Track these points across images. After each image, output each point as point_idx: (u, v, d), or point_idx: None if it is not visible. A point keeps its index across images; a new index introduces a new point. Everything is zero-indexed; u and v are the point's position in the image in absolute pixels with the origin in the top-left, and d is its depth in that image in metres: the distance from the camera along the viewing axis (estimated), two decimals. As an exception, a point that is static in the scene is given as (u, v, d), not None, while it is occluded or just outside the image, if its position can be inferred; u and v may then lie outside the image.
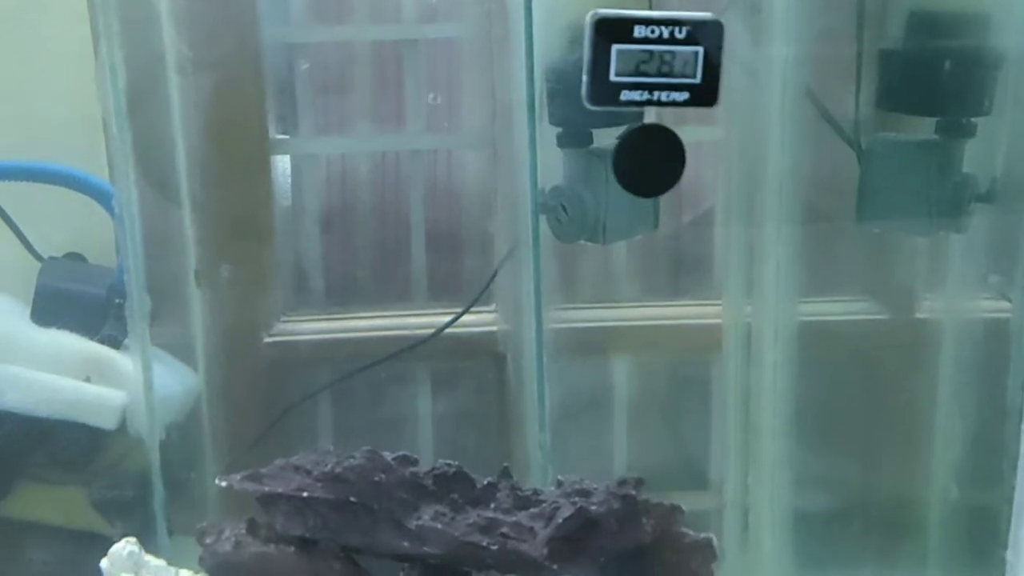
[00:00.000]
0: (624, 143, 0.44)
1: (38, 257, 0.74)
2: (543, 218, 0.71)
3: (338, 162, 0.95)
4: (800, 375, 0.80)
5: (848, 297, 0.87)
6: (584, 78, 0.41)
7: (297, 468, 0.56)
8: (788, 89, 0.72)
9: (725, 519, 0.85)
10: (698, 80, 0.42)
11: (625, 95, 0.42)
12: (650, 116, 0.50)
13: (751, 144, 0.78)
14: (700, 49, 0.41)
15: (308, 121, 0.92)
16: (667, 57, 0.41)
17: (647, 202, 0.73)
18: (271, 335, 0.88)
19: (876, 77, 0.71)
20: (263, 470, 0.57)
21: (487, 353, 0.89)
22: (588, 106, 0.42)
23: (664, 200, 0.92)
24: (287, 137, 0.90)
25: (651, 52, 0.41)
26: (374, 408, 0.91)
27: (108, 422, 0.67)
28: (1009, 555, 0.56)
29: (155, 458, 0.68)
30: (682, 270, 0.94)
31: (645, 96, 0.42)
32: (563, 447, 0.88)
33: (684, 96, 0.42)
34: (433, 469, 0.58)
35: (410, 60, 0.90)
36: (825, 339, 0.84)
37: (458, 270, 0.93)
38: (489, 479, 0.59)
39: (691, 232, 0.93)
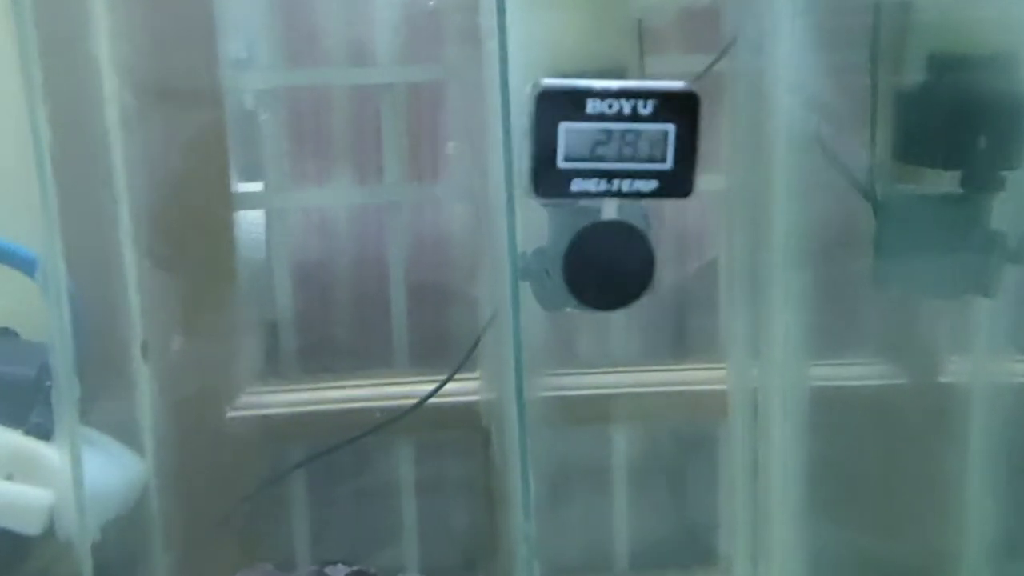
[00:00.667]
0: (574, 246, 0.35)
1: (-39, 332, 0.67)
2: (526, 284, 0.64)
3: (311, 217, 0.88)
4: (813, 446, 0.72)
5: (864, 360, 0.79)
6: (527, 163, 0.33)
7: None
8: (795, 135, 0.65)
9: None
10: (668, 165, 0.33)
11: (577, 185, 0.33)
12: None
13: (755, 193, 0.70)
14: (671, 127, 0.33)
15: (275, 173, 0.84)
16: (629, 137, 0.33)
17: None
18: (235, 408, 0.80)
19: (892, 125, 0.63)
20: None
21: (472, 425, 0.81)
22: (533, 197, 0.34)
23: (664, 254, 0.84)
24: (251, 190, 0.83)
25: (609, 131, 0.32)
26: (352, 485, 0.84)
27: (33, 526, 0.59)
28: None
29: (88, 564, 0.60)
30: (685, 330, 0.86)
31: (603, 186, 0.33)
32: (558, 522, 0.80)
33: (652, 185, 0.34)
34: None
35: (388, 106, 0.83)
36: (839, 405, 0.76)
37: (441, 335, 0.85)
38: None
39: (693, 288, 0.85)
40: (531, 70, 0.59)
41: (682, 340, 0.86)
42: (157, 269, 0.71)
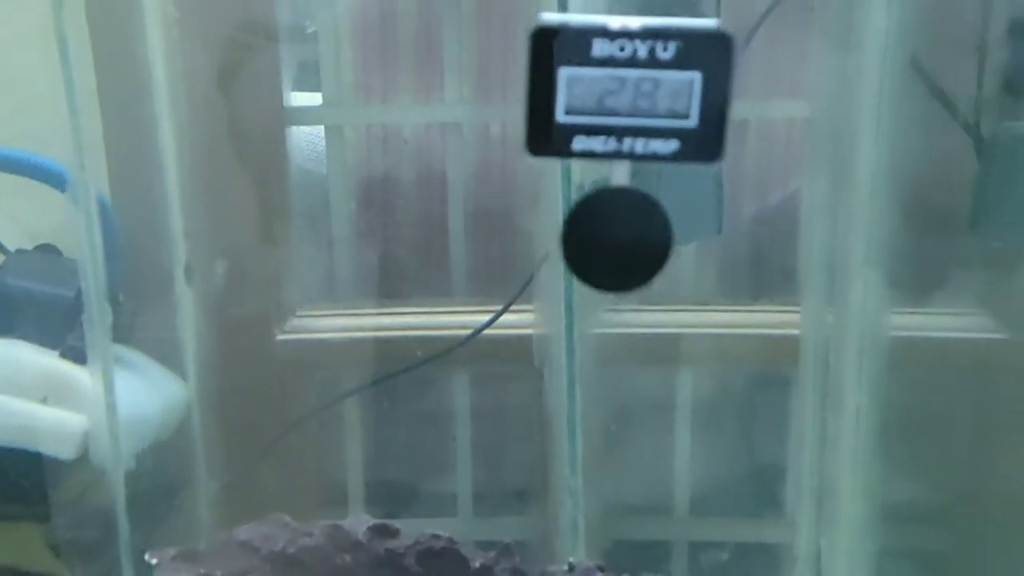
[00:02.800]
0: (575, 216, 0.30)
1: (3, 250, 0.66)
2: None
3: (367, 134, 0.84)
4: (889, 397, 0.66)
5: (954, 311, 0.72)
6: (525, 115, 0.28)
7: (243, 545, 0.46)
8: (889, 60, 0.57)
9: (797, 559, 0.72)
10: (693, 122, 0.27)
11: (580, 143, 0.28)
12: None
13: (842, 124, 0.63)
14: (697, 75, 0.27)
15: (329, 87, 0.80)
16: (646, 87, 0.27)
17: (710, 204, 0.60)
18: (285, 332, 0.78)
19: (1006, 54, 0.55)
20: (202, 547, 0.47)
21: (526, 358, 0.78)
22: (528, 155, 0.29)
23: (739, 188, 0.78)
24: (303, 104, 0.79)
25: (621, 79, 0.27)
26: (405, 413, 0.81)
27: (67, 451, 0.59)
28: None
29: (120, 493, 0.59)
30: (758, 269, 0.80)
31: (611, 145, 0.28)
32: (615, 463, 0.77)
33: (672, 146, 0.28)
34: (416, 543, 0.48)
35: (450, 14, 0.78)
36: (923, 356, 0.70)
37: (501, 263, 0.81)
38: (483, 560, 0.48)
39: (772, 222, 0.79)
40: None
41: (756, 279, 0.81)
42: (202, 188, 0.69)
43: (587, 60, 0.27)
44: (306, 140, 0.84)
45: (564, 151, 0.28)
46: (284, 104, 0.77)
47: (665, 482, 0.82)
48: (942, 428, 0.73)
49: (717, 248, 0.79)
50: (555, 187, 0.60)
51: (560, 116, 0.28)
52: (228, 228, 0.72)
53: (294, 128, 0.79)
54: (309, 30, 0.76)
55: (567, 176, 0.58)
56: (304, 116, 0.80)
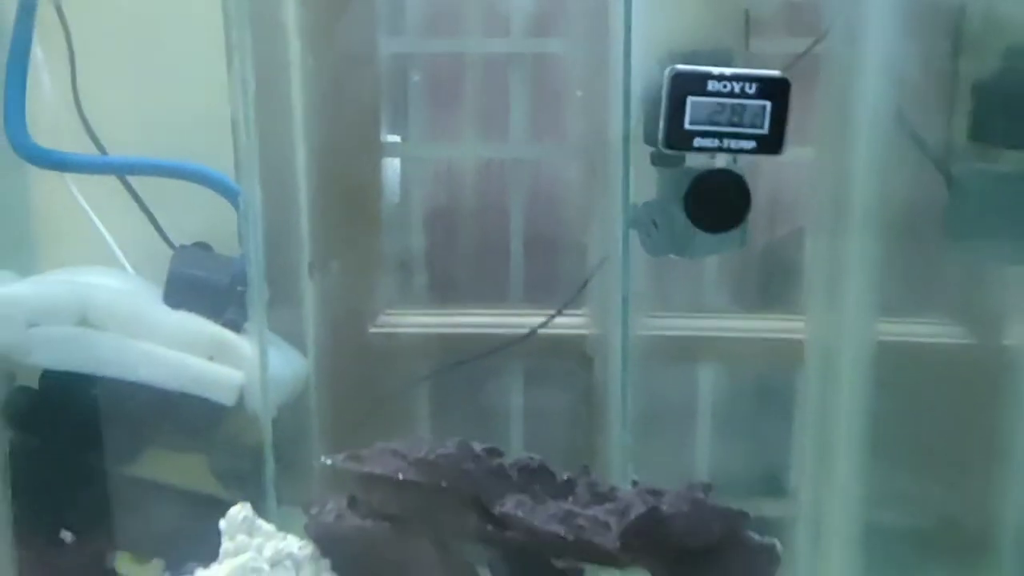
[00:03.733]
0: (695, 185, 0.47)
1: (170, 245, 0.82)
2: (634, 231, 0.75)
3: (445, 167, 1.00)
4: (877, 393, 0.82)
5: (932, 320, 0.88)
6: (661, 124, 0.44)
7: (394, 452, 0.62)
8: (878, 113, 0.74)
9: (798, 529, 0.87)
10: (766, 131, 0.45)
11: (698, 142, 0.45)
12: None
13: (840, 165, 0.80)
14: (768, 103, 0.44)
15: (418, 127, 0.97)
16: (737, 109, 0.44)
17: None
18: (376, 326, 0.94)
19: (970, 108, 0.72)
20: (363, 452, 0.62)
21: (576, 355, 0.93)
22: (663, 150, 0.46)
23: (758, 216, 0.95)
24: (397, 140, 0.96)
25: (723, 104, 0.44)
26: (468, 400, 0.97)
27: (228, 399, 0.74)
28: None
29: (268, 434, 0.74)
30: (771, 285, 0.96)
31: (716, 143, 0.45)
32: (646, 449, 0.91)
33: (752, 145, 0.45)
34: (517, 461, 0.63)
35: (516, 73, 0.95)
36: (905, 360, 0.86)
37: (553, 275, 0.97)
38: (569, 474, 0.63)
39: (782, 248, 0.95)
40: (651, 49, 0.71)
41: (769, 294, 0.97)
42: (323, 203, 0.85)
43: (704, 92, 0.44)
44: (392, 174, 1.01)
45: (688, 146, 0.45)
46: (381, 139, 0.93)
47: (688, 466, 0.97)
48: (921, 419, 0.87)
49: (738, 267, 0.95)
50: (614, 206, 0.76)
51: (687, 125, 0.44)
52: (338, 236, 0.88)
53: (386, 162, 0.96)
54: (414, 79, 0.93)
55: (626, 196, 0.74)
56: (394, 150, 0.97)
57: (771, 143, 0.46)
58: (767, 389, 0.96)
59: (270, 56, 0.78)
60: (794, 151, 0.91)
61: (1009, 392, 0.83)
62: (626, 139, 0.73)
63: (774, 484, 0.95)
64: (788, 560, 0.89)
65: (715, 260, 0.94)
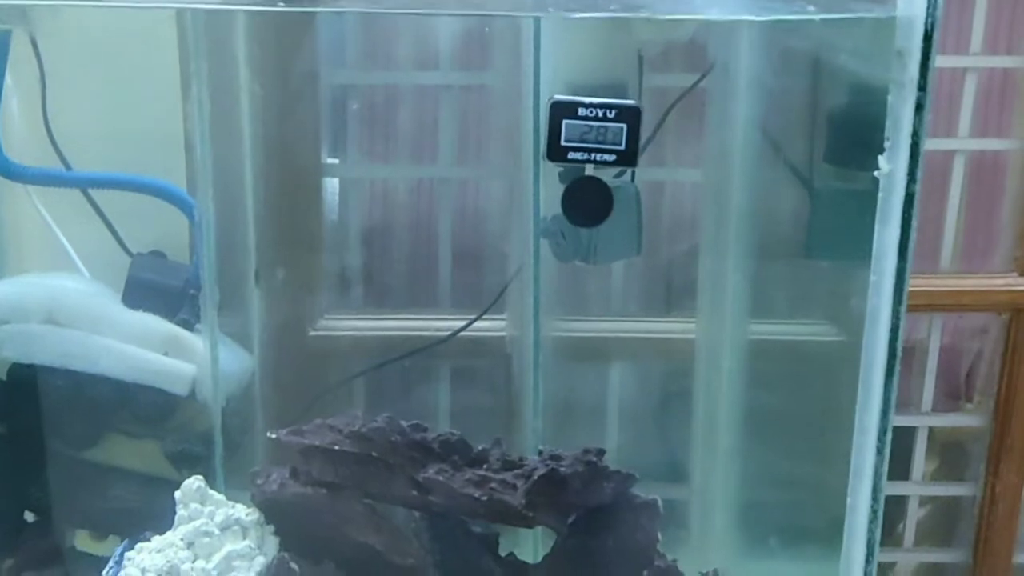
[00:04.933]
0: (569, 189, 0.59)
1: (128, 252, 0.90)
2: (545, 241, 0.86)
3: (380, 186, 1.11)
4: (749, 383, 0.94)
5: (794, 320, 0.99)
6: (544, 141, 0.56)
7: (331, 427, 0.71)
8: (751, 140, 0.87)
9: (691, 506, 0.98)
10: (623, 147, 0.57)
11: (571, 155, 0.57)
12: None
13: (721, 186, 0.92)
14: (624, 125, 0.56)
15: (355, 150, 1.07)
16: (601, 130, 0.56)
17: (632, 231, 0.88)
18: (315, 329, 1.03)
19: (825, 135, 0.85)
20: (304, 427, 0.72)
21: (497, 354, 1.04)
22: (547, 161, 0.57)
23: (654, 232, 1.07)
24: (336, 162, 1.06)
25: (590, 126, 0.56)
26: (400, 396, 1.06)
27: (181, 389, 0.83)
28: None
29: (217, 421, 0.83)
30: (669, 292, 1.08)
31: (586, 156, 0.56)
32: (557, 438, 1.01)
33: (612, 158, 0.57)
34: (439, 435, 0.73)
35: (445, 102, 1.06)
36: (773, 353, 0.97)
37: (477, 282, 1.07)
38: (483, 446, 0.73)
39: (679, 261, 1.07)
40: (556, 82, 0.82)
41: (667, 300, 1.08)
42: (268, 216, 0.95)
43: (576, 116, 0.55)
44: (330, 193, 1.10)
45: (564, 159, 0.56)
46: (321, 162, 1.03)
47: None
48: (793, 405, 0.99)
49: (641, 276, 1.07)
50: (527, 220, 0.87)
51: (563, 142, 0.56)
52: (281, 247, 0.98)
53: (325, 181, 1.05)
54: (353, 107, 1.03)
55: (537, 210, 0.85)
56: (333, 170, 1.07)
57: (627, 157, 0.58)
58: (665, 384, 1.08)
59: (223, 84, 0.88)
60: (688, 172, 1.04)
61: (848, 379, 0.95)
62: (536, 160, 0.85)
63: (673, 469, 1.06)
64: (684, 537, 1.01)
65: (621, 271, 1.05)
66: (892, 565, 1.16)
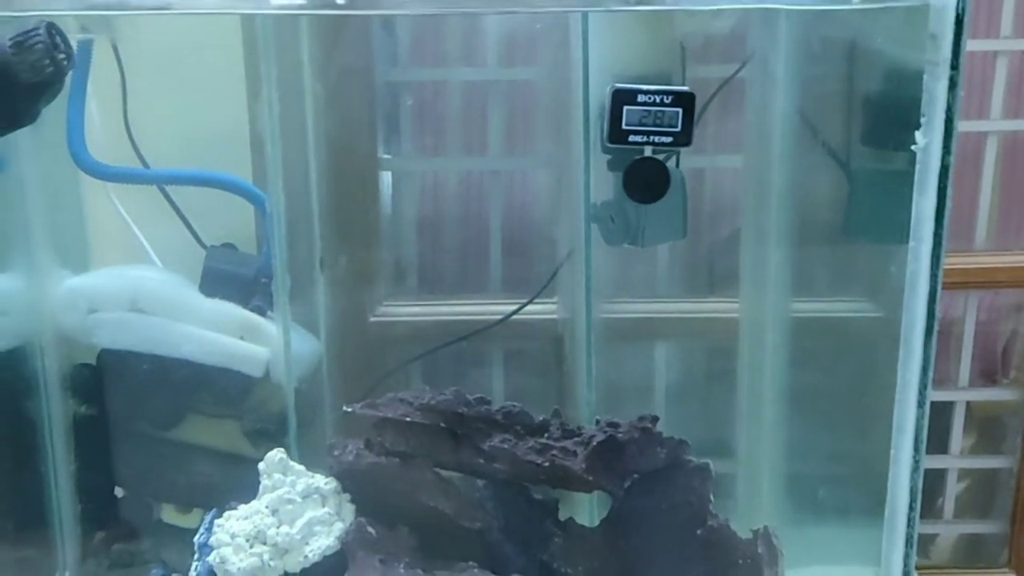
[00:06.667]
0: (631, 168, 0.64)
1: (202, 245, 0.96)
2: (595, 226, 0.91)
3: (432, 178, 1.16)
4: (792, 359, 0.97)
5: (838, 297, 1.03)
6: (605, 127, 0.61)
7: (402, 400, 0.77)
8: (790, 125, 0.91)
9: (738, 477, 1.03)
10: (679, 129, 0.62)
11: (632, 138, 0.61)
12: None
13: (760, 170, 0.96)
14: (680, 109, 0.61)
15: (408, 145, 1.13)
16: (659, 115, 0.61)
17: (678, 215, 0.92)
18: (375, 316, 1.09)
19: (861, 118, 0.89)
20: (378, 400, 0.77)
21: (547, 336, 1.09)
22: (608, 145, 0.62)
23: (697, 216, 1.11)
24: (391, 157, 1.12)
25: (649, 111, 0.61)
26: (455, 378, 1.11)
27: (256, 371, 0.89)
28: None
29: (291, 401, 0.89)
30: (713, 274, 1.12)
31: (645, 139, 0.61)
32: (610, 415, 1.06)
33: (670, 140, 0.62)
34: (502, 407, 0.78)
35: (493, 97, 1.10)
36: (815, 331, 1.01)
37: (526, 268, 1.12)
38: (544, 417, 0.78)
39: (721, 243, 1.11)
40: (604, 74, 0.87)
41: (711, 281, 1.13)
42: (330, 209, 1.00)
43: (635, 102, 0.60)
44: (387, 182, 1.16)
45: (625, 142, 0.61)
46: (378, 156, 1.09)
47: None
48: (834, 380, 1.02)
49: (684, 261, 1.11)
50: (578, 206, 0.92)
51: (624, 126, 0.61)
52: (344, 237, 1.03)
53: (383, 175, 1.11)
54: (406, 103, 1.08)
55: (588, 196, 0.90)
56: (388, 164, 1.12)
57: (683, 138, 0.64)
58: (710, 361, 1.12)
59: (289, 85, 0.93)
60: (729, 159, 1.08)
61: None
62: (586, 149, 0.89)
63: (719, 443, 1.10)
64: (732, 507, 1.05)
65: (666, 255, 1.09)
66: (933, 537, 1.19)
